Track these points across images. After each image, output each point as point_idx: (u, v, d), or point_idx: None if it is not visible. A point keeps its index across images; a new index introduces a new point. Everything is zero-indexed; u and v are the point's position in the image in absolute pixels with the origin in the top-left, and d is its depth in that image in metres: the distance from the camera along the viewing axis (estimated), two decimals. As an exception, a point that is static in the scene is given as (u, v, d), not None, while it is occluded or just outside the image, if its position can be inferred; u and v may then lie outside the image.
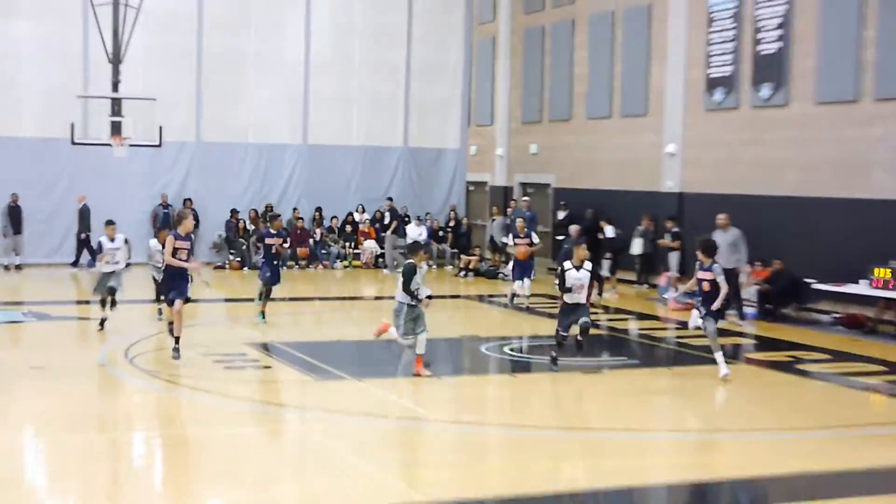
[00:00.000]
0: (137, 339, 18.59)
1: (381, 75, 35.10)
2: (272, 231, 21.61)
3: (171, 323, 16.86)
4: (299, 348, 18.39)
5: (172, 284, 16.59)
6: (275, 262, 21.26)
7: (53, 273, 29.97)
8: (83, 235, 30.07)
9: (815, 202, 24.18)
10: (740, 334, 21.87)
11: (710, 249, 16.81)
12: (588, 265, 16.96)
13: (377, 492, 10.51)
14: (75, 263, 30.45)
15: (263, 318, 20.95)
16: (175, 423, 13.41)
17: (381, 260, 33.44)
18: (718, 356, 16.37)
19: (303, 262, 32.76)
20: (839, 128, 23.96)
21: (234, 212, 32.99)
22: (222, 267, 31.90)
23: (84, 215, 30.20)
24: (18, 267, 30.19)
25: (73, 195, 31.05)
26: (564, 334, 16.73)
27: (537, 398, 15.78)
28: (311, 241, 33.29)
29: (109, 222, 19.75)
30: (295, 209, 33.50)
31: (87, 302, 21.58)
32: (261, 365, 17.05)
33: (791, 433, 13.35)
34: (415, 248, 16.98)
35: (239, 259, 32.08)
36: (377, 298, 27.81)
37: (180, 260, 16.29)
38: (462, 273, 32.30)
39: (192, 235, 17.33)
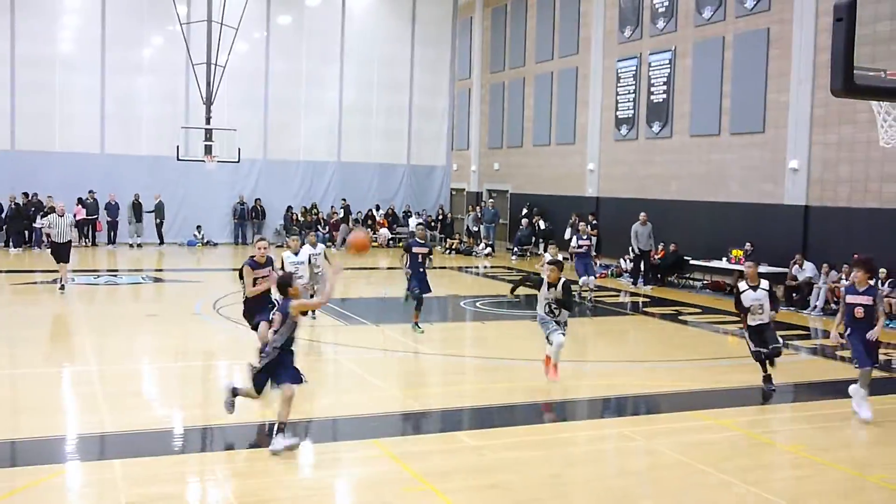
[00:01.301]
0: (223, 295, 18.54)
1: (391, 114, 35.02)
2: (419, 240, 15.47)
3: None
4: (334, 303, 18.34)
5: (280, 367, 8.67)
6: (421, 271, 15.07)
7: (165, 249, 29.91)
8: (158, 221, 30.38)
9: (691, 204, 24.24)
10: (638, 294, 21.93)
11: (873, 269, 11.06)
12: (765, 283, 11.34)
13: (389, 402, 10.52)
14: (161, 242, 30.49)
15: (418, 327, 15.11)
16: (247, 353, 13.35)
17: (391, 242, 33.45)
18: (865, 391, 10.17)
19: (337, 243, 32.70)
20: (706, 153, 24.00)
21: (289, 208, 32.89)
22: (281, 246, 31.90)
23: (159, 208, 30.40)
24: (139, 245, 30.08)
25: (177, 197, 31.14)
26: (761, 350, 11.22)
27: (499, 338, 15.77)
28: (342, 227, 33.26)
29: (297, 234, 12.40)
30: (332, 206, 33.66)
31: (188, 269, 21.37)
32: (307, 314, 17.00)
33: (674, 363, 13.41)
34: (554, 263, 11.56)
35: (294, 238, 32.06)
36: (388, 269, 27.83)
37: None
38: (447, 251, 32.30)
39: (272, 260, 11.69)
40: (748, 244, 21.45)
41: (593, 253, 21.69)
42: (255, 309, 11.26)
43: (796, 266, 20.11)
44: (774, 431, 10.16)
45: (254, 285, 11.14)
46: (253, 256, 11.26)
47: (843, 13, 5.75)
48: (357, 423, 9.65)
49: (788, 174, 21.28)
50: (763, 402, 11.13)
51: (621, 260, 25.39)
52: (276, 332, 8.56)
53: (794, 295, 19.90)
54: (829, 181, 20.35)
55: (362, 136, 34.51)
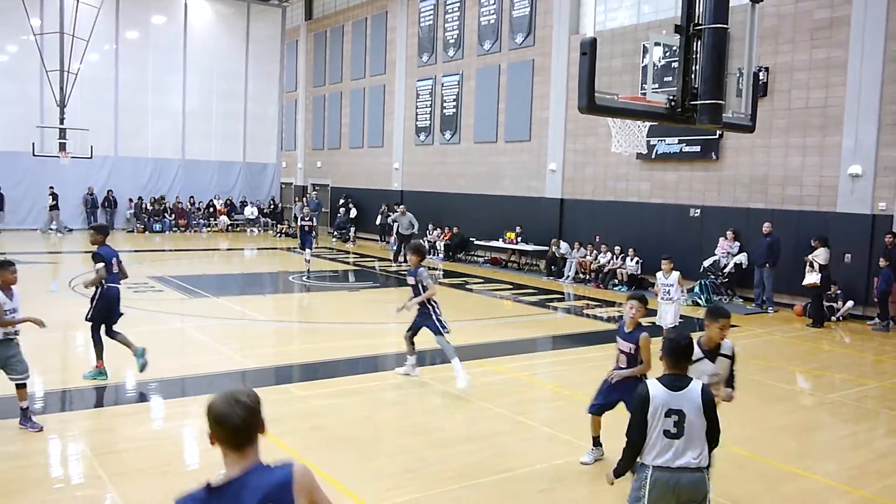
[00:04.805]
0: (76, 275, 17.29)
1: (229, 118, 33.59)
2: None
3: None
4: (180, 279, 17.55)
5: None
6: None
7: (25, 234, 27.49)
8: None
9: (475, 197, 24.83)
10: (435, 269, 22.30)
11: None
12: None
13: (228, 362, 10.20)
14: None
15: None
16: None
17: (229, 227, 32.43)
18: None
19: (183, 229, 31.27)
20: (486, 156, 24.65)
21: (140, 199, 30.98)
22: (132, 231, 30.17)
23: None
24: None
25: (33, 188, 28.66)
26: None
27: (321, 306, 15.64)
28: (188, 216, 31.75)
29: None
30: (177, 197, 31.95)
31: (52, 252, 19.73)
32: (156, 290, 16.16)
33: (462, 323, 13.71)
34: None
35: (142, 226, 30.33)
36: (228, 250, 26.81)
37: None
38: (278, 235, 31.58)
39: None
40: (518, 227, 22.31)
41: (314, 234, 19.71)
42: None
43: (555, 246, 21.12)
44: (537, 374, 10.67)
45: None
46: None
47: (587, 49, 6.09)
48: (201, 380, 9.29)
49: (548, 174, 22.26)
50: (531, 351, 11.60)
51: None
52: None
53: (552, 267, 20.90)
54: (578, 180, 21.47)
55: (203, 137, 32.97)
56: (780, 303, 16.27)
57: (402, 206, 23.97)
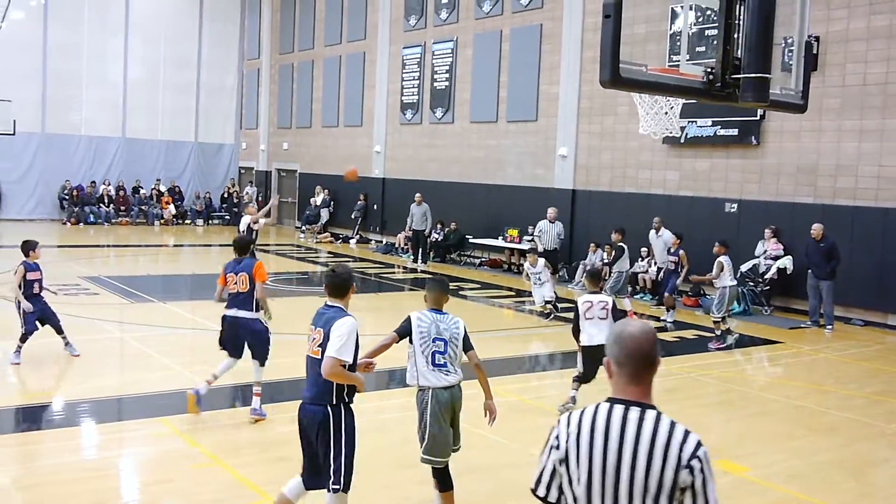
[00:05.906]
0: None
1: (179, 90, 33.66)
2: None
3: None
4: (119, 280, 17.43)
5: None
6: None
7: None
8: None
9: (470, 186, 24.74)
10: (424, 271, 22.23)
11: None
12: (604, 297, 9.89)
13: (176, 379, 10.13)
14: None
15: None
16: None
17: (175, 219, 32.34)
18: None
19: (123, 217, 31.22)
20: (484, 139, 24.58)
21: (68, 183, 30.90)
22: (65, 223, 30.06)
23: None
24: None
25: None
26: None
27: (286, 314, 15.51)
28: (129, 205, 31.68)
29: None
30: (120, 182, 31.92)
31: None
32: (90, 292, 16.04)
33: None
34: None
35: (75, 218, 30.18)
36: (176, 246, 26.66)
37: None
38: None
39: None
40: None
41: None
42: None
43: (592, 252, 20.91)
44: (543, 396, 10.60)
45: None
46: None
47: (611, 10, 6.02)
48: (144, 401, 9.22)
49: (558, 160, 22.24)
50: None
51: (399, 237, 25.71)
52: None
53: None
54: (593, 167, 21.45)
55: (148, 112, 33.01)
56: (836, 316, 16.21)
57: (418, 195, 23.93)
